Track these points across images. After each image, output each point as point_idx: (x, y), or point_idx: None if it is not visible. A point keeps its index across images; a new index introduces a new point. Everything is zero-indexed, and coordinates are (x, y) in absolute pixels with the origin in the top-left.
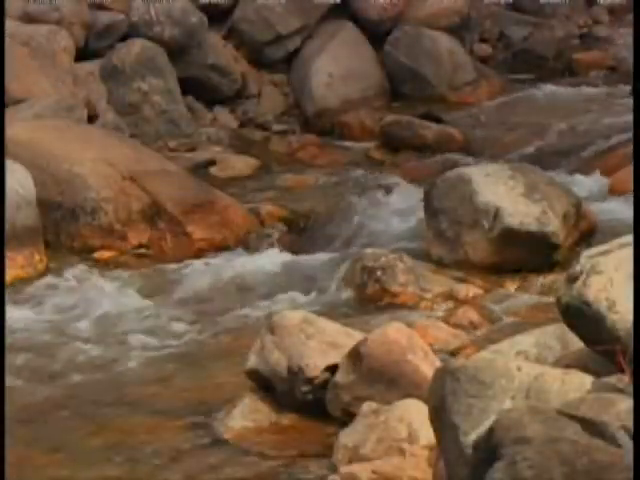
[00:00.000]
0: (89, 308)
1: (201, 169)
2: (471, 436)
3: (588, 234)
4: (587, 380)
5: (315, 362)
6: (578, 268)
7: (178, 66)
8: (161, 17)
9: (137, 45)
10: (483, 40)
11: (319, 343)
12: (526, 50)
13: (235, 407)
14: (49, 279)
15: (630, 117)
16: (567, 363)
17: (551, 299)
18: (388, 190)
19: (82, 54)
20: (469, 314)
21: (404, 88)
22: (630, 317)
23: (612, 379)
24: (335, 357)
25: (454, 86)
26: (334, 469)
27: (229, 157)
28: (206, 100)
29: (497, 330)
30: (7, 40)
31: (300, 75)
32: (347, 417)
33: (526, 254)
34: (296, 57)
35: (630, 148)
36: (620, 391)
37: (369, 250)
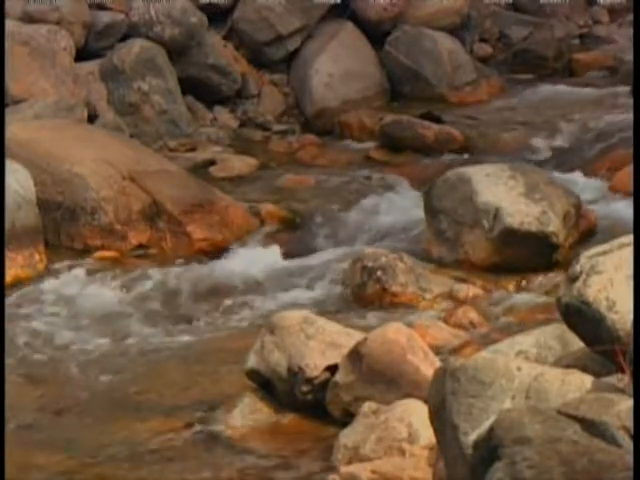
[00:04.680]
0: (89, 308)
1: (201, 169)
2: (471, 436)
3: (588, 234)
4: (587, 380)
5: (315, 362)
6: (578, 268)
7: (178, 66)
8: (161, 17)
9: (137, 45)
10: (483, 40)
11: (319, 343)
12: (526, 50)
13: (235, 407)
14: (49, 279)
15: (630, 117)
16: (567, 363)
17: (551, 299)
18: (388, 190)
19: (82, 54)
20: (469, 314)
21: (404, 88)
22: (630, 317)
23: (612, 379)
24: (335, 357)
25: (454, 86)
26: (334, 469)
27: (229, 157)
28: (206, 100)
29: (497, 330)
30: (7, 40)
31: (300, 75)
32: (347, 417)
33: (526, 254)
34: (296, 57)
35: (630, 148)
36: (620, 391)
37: (369, 250)
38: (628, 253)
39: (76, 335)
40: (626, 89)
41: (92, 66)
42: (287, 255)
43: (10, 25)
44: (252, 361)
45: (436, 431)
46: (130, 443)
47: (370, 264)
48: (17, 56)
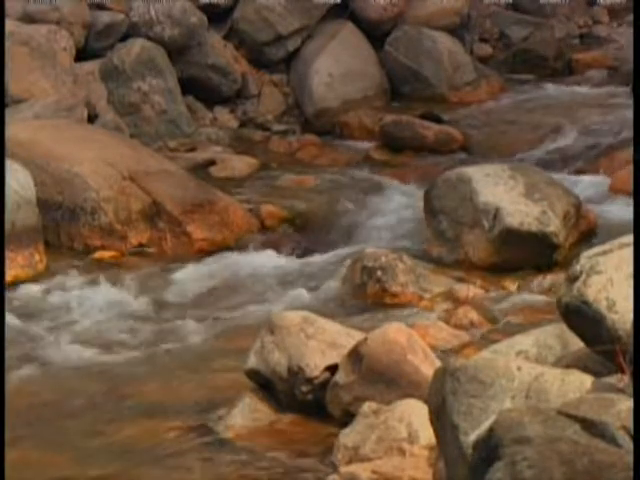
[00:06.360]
0: (89, 308)
1: (201, 169)
2: (471, 436)
3: (588, 234)
4: (587, 380)
5: (315, 362)
6: (578, 268)
7: (178, 66)
8: (161, 17)
9: (137, 45)
10: (483, 40)
11: (319, 343)
12: (526, 50)
13: (235, 407)
14: (49, 279)
15: (630, 117)
16: (567, 363)
17: (551, 299)
18: (388, 190)
19: (82, 54)
20: (469, 314)
21: (404, 88)
22: (630, 317)
23: (612, 379)
24: (335, 357)
25: (454, 86)
26: (334, 469)
27: (229, 157)
28: (206, 100)
29: (497, 330)
30: (7, 40)
31: (300, 75)
32: (347, 417)
33: (526, 254)
34: (296, 57)
35: (630, 148)
36: (620, 391)
37: (369, 250)
38: (628, 253)
39: (76, 335)
40: (626, 89)
41: (92, 66)
42: (287, 255)
43: (10, 25)
44: (252, 361)
45: (436, 431)
46: (130, 443)
47: (370, 264)
48: (17, 56)
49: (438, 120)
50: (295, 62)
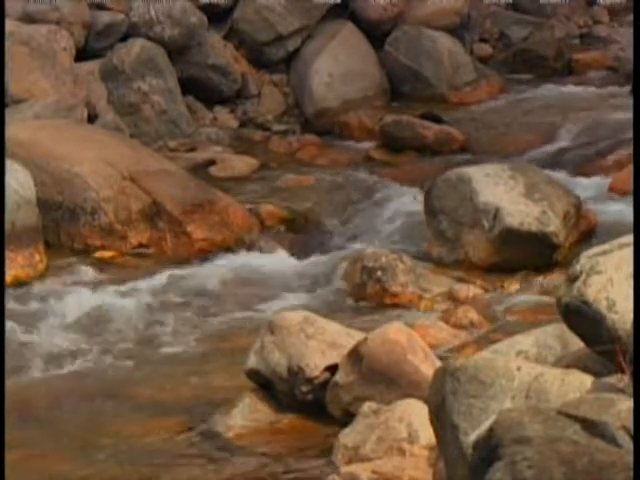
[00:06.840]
0: (89, 308)
1: (201, 169)
2: (471, 436)
3: (588, 234)
4: (587, 380)
5: (315, 362)
6: (578, 268)
7: (178, 66)
8: (161, 17)
9: (137, 45)
10: (483, 40)
11: (319, 343)
12: (526, 50)
13: (235, 407)
14: (49, 279)
15: (630, 117)
16: (567, 363)
17: (551, 299)
18: (388, 190)
19: (82, 54)
20: (469, 314)
21: (404, 88)
22: (630, 317)
23: (612, 379)
24: (335, 357)
25: (454, 86)
26: (334, 469)
27: (229, 157)
28: (206, 100)
29: (497, 330)
30: (7, 40)
31: (300, 75)
32: (347, 417)
33: (526, 254)
34: (296, 57)
35: (630, 148)
36: (620, 391)
37: (369, 250)
38: (628, 253)
39: (76, 335)
40: (626, 89)
41: (92, 66)
42: (287, 255)
43: (10, 25)
44: (252, 361)
45: (436, 431)
46: (130, 443)
47: (370, 264)
48: (17, 56)
49: (438, 120)
50: (295, 62)
